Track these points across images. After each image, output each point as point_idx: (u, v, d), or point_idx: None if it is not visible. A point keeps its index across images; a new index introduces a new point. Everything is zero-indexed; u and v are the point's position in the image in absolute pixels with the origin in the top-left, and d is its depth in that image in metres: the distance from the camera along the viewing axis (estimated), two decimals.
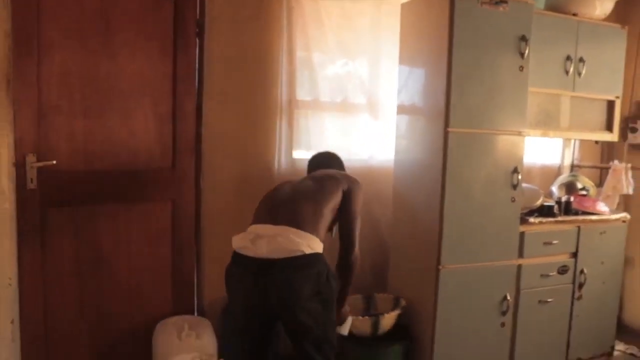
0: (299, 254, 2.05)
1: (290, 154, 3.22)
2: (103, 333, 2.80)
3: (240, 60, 3.08)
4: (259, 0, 3.08)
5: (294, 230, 2.11)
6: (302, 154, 3.23)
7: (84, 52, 2.62)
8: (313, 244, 2.11)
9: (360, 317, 2.82)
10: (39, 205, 2.56)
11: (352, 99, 3.36)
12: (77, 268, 2.70)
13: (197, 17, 2.92)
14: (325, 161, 2.76)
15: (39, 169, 2.53)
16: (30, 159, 2.51)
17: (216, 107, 3.04)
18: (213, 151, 3.06)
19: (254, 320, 2.20)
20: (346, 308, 2.56)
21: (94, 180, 2.71)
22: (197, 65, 2.96)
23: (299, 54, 3.19)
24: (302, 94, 3.24)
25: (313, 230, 2.15)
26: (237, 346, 2.30)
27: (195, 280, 3.09)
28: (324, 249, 2.20)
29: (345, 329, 2.61)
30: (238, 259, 2.16)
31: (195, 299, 3.09)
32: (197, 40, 2.94)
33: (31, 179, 2.52)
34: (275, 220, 2.17)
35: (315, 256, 2.10)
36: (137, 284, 2.87)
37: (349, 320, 2.63)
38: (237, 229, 3.07)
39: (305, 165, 3.13)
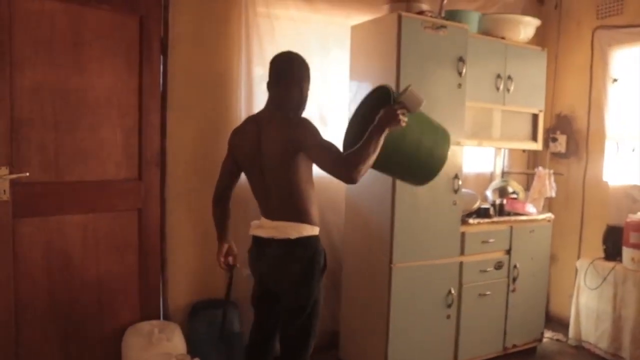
0: (285, 237, 2.37)
1: None
2: (73, 339, 2.87)
3: (202, 76, 3.26)
4: (219, 20, 3.29)
5: (285, 224, 2.39)
6: None
7: (55, 67, 2.72)
8: (301, 230, 2.37)
9: None
10: (11, 216, 2.62)
11: (305, 112, 3.58)
12: (48, 277, 2.77)
13: (161, 34, 3.09)
14: (282, 75, 2.45)
15: (12, 181, 2.60)
16: (3, 171, 2.58)
17: (180, 120, 3.20)
18: (176, 163, 3.21)
19: (260, 289, 2.57)
20: (382, 119, 2.16)
21: (65, 192, 2.80)
22: (161, 80, 3.11)
23: (256, 70, 3.40)
24: (259, 108, 3.43)
25: (302, 218, 2.38)
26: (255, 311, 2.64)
27: (161, 286, 3.21)
28: None
29: (417, 101, 2.22)
30: (253, 239, 2.53)
31: (161, 304, 3.21)
32: (161, 57, 3.10)
33: (4, 191, 2.59)
34: (271, 217, 2.45)
35: (302, 240, 2.37)
36: (106, 291, 2.97)
37: (414, 92, 2.22)
38: (199, 237, 3.27)
39: None
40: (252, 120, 2.57)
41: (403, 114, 2.17)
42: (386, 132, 2.16)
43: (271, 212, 2.45)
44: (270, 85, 2.47)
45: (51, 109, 2.73)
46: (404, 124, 2.19)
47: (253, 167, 2.47)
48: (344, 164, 2.15)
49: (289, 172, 2.34)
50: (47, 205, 2.75)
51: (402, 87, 2.98)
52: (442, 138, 2.46)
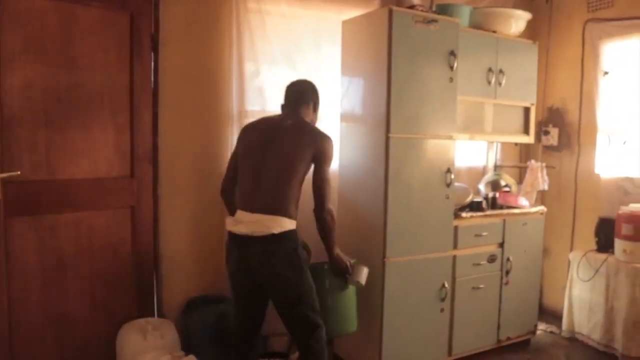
0: (268, 233, 2.44)
1: None
2: (68, 337, 2.87)
3: (193, 73, 3.26)
4: (210, 16, 3.27)
5: (267, 217, 2.47)
6: None
7: (45, 65, 2.71)
8: (283, 224, 2.47)
9: None
10: (3, 215, 2.61)
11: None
12: (41, 275, 2.77)
13: (152, 31, 3.08)
14: (298, 96, 2.78)
15: (3, 180, 2.59)
16: None
17: (171, 117, 3.20)
18: (169, 159, 3.21)
19: (244, 285, 2.61)
20: (338, 253, 2.73)
21: (57, 190, 2.79)
22: (152, 77, 3.11)
23: (248, 65, 3.39)
24: (251, 104, 3.44)
25: (284, 212, 2.49)
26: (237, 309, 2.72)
27: (155, 283, 3.21)
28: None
29: (362, 278, 2.82)
30: (230, 235, 2.58)
31: (155, 301, 3.21)
32: (152, 53, 3.09)
33: None
34: (252, 208, 2.52)
35: (284, 234, 2.47)
36: (99, 289, 2.97)
37: (365, 270, 2.82)
38: (193, 233, 3.28)
39: None
40: (268, 119, 2.76)
41: (348, 268, 2.75)
42: (333, 251, 2.70)
43: (255, 203, 2.51)
44: (287, 107, 2.76)
45: (42, 107, 2.72)
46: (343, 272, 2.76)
47: (253, 156, 2.58)
48: (325, 208, 2.58)
49: (292, 171, 2.51)
50: (39, 204, 2.74)
51: (393, 82, 3.00)
52: (346, 325, 2.95)
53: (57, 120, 2.76)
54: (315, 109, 2.82)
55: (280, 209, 2.48)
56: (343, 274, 2.76)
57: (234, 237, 2.55)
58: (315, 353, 2.57)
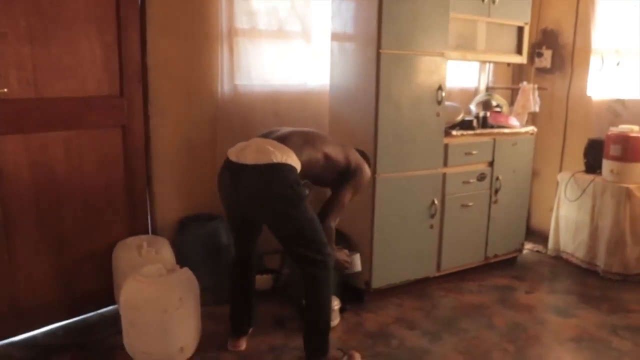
0: (267, 162, 2.34)
1: (232, 80, 3.37)
2: (64, 254, 2.92)
3: None
4: None
5: (274, 142, 2.43)
6: (243, 80, 3.41)
7: None
8: (285, 157, 2.37)
9: None
10: None
11: (287, 27, 3.53)
12: (34, 194, 2.78)
13: None
14: None
15: None
16: None
17: (160, 36, 3.13)
18: (159, 79, 3.17)
19: (236, 213, 2.62)
20: (336, 254, 2.73)
21: (45, 108, 2.75)
22: None
23: None
24: (241, 22, 3.38)
25: (294, 149, 2.43)
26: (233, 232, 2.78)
27: (148, 201, 3.25)
28: None
29: (357, 267, 2.94)
30: (225, 162, 2.51)
31: (149, 220, 3.26)
32: None
33: None
34: (266, 137, 2.53)
35: (282, 165, 2.35)
36: (92, 208, 2.99)
37: (358, 257, 2.94)
38: (184, 152, 3.29)
39: (246, 91, 3.34)
40: None
41: (349, 266, 2.86)
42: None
43: (273, 134, 2.54)
44: None
45: (25, 23, 2.64)
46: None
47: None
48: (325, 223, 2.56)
49: (322, 141, 2.60)
50: (29, 122, 2.71)
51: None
52: None
53: (42, 36, 2.69)
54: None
55: (294, 147, 2.43)
56: (343, 269, 2.85)
57: (229, 164, 2.47)
58: (318, 282, 2.49)
